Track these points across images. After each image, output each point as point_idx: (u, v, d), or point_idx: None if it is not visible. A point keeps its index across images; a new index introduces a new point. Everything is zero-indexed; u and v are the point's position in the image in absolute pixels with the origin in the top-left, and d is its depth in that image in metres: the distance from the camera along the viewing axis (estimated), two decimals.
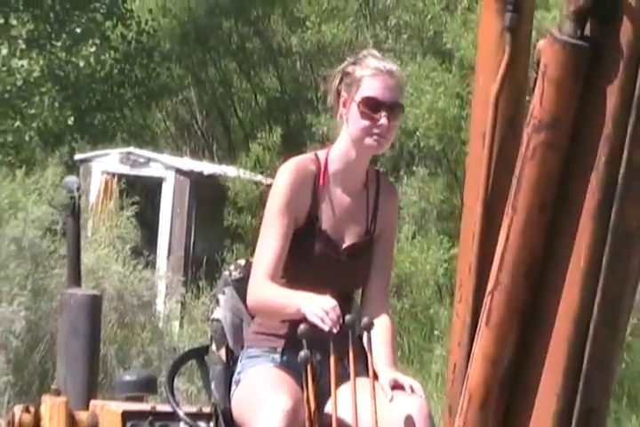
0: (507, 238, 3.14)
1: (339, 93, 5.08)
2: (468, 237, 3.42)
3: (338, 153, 5.09)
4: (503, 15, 3.30)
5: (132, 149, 21.39)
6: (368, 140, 4.99)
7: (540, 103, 3.04)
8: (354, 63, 5.07)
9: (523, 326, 3.20)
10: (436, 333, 18.20)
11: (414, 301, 18.53)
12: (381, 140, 5.00)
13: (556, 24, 3.06)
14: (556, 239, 3.15)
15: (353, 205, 5.12)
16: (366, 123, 4.97)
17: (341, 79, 5.08)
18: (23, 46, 22.76)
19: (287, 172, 5.04)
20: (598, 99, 3.02)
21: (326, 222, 5.05)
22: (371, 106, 4.96)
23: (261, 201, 20.76)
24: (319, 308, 4.71)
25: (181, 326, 18.22)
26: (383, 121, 4.96)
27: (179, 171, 21.04)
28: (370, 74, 4.98)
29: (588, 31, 3.01)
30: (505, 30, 3.31)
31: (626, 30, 2.96)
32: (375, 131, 4.98)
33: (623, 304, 3.15)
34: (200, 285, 19.02)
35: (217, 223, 21.04)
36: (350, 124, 5.03)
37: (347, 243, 5.08)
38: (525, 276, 3.14)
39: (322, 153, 5.14)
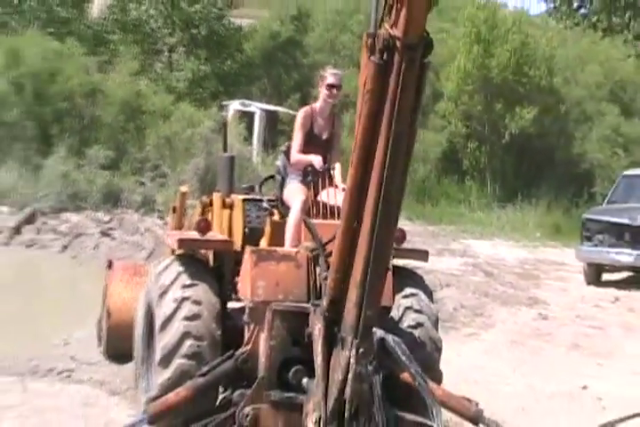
0: (360, 128, 3.07)
1: (319, 83, 4.92)
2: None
3: (319, 104, 4.93)
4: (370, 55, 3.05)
5: (244, 100, 21.36)
6: (329, 100, 4.87)
7: (364, 85, 2.99)
8: (324, 71, 4.94)
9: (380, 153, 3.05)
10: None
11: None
12: (334, 99, 4.89)
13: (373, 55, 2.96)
14: (377, 129, 3.02)
15: (325, 124, 4.94)
16: (328, 92, 4.85)
17: (320, 77, 4.91)
18: (203, 60, 22.57)
19: (302, 112, 4.94)
20: (387, 85, 2.94)
21: (317, 130, 4.92)
22: (330, 86, 4.84)
23: (292, 122, 20.73)
24: (316, 160, 4.75)
25: (260, 165, 18.41)
26: (335, 91, 4.85)
27: (261, 109, 21.06)
28: (329, 74, 4.86)
29: (385, 57, 2.92)
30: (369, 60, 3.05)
31: (397, 59, 2.91)
32: (332, 95, 4.85)
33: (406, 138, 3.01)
34: (268, 151, 19.21)
35: (275, 129, 21.14)
36: (322, 93, 4.88)
37: (324, 137, 4.95)
38: (370, 139, 3.05)
39: (314, 104, 4.97)
